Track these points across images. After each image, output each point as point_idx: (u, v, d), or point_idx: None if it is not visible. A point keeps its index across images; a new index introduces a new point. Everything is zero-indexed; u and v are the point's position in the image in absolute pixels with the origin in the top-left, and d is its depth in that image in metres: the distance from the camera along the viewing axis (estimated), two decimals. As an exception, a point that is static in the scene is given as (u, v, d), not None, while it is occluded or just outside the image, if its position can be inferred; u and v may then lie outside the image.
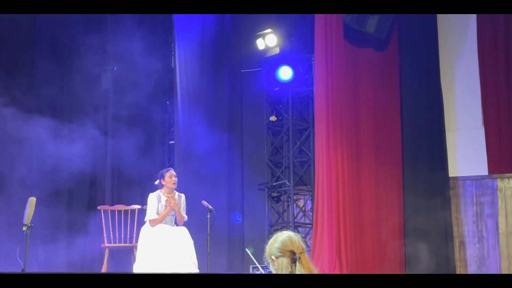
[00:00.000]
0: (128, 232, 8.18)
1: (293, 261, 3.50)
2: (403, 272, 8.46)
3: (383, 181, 8.77)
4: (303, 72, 9.58)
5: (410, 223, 8.66)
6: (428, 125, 8.85)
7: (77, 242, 8.58)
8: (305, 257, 3.53)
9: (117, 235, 8.19)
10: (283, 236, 3.59)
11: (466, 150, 8.81)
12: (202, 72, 9.40)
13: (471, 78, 8.81)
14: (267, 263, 3.66)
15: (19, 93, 8.25)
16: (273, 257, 3.56)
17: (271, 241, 3.62)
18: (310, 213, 9.40)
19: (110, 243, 8.13)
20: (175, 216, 7.33)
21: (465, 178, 8.78)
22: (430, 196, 8.57)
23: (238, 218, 7.66)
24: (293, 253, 3.51)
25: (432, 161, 8.74)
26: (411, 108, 8.92)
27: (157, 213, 7.21)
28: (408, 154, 8.85)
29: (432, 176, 8.68)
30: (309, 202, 9.58)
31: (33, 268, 7.71)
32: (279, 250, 3.53)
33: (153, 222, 7.18)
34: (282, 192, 9.73)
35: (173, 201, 7.22)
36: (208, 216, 7.30)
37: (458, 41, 9.04)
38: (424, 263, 8.40)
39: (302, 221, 9.64)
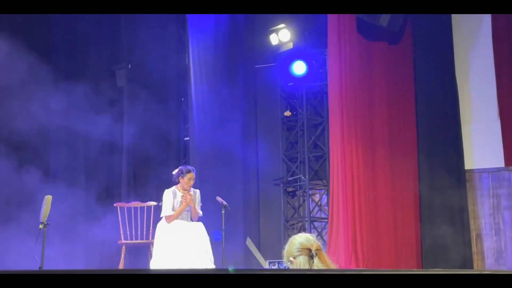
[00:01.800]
0: (145, 229, 8.22)
1: (311, 257, 3.61)
2: (420, 266, 8.44)
3: (398, 175, 8.73)
4: (316, 66, 9.57)
5: (426, 216, 8.63)
6: (443, 118, 8.80)
7: (94, 239, 8.64)
8: (322, 254, 3.65)
9: (133, 232, 8.23)
10: (299, 238, 3.73)
11: (482, 142, 8.75)
12: (215, 68, 9.42)
13: (486, 69, 8.75)
14: (286, 266, 3.78)
15: (33, 88, 8.32)
16: (291, 259, 3.66)
17: (288, 244, 3.74)
18: (326, 208, 9.39)
19: (127, 239, 8.17)
20: (191, 212, 7.34)
21: (481, 171, 8.72)
22: (446, 189, 8.52)
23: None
24: (309, 250, 3.62)
25: (447, 154, 8.70)
26: (426, 101, 8.88)
27: (173, 209, 7.22)
28: (424, 147, 8.81)
29: (448, 169, 8.64)
30: (324, 196, 9.57)
31: (50, 265, 7.77)
32: (298, 249, 3.64)
33: (169, 218, 7.19)
34: (298, 187, 9.73)
35: (189, 197, 7.23)
36: (223, 212, 7.32)
37: (473, 33, 8.98)
38: (441, 257, 8.37)
39: (318, 215, 9.63)
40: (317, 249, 3.63)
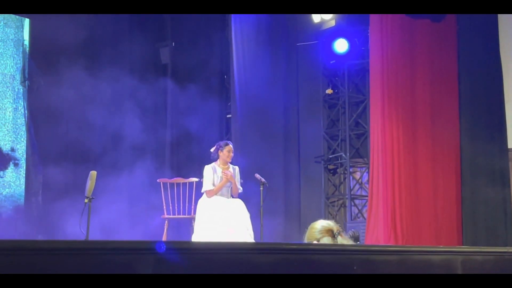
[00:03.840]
0: (187, 204, 8.35)
1: (334, 237, 3.74)
2: (460, 244, 8.42)
3: (439, 153, 8.70)
4: (359, 44, 9.55)
5: (467, 195, 8.60)
6: (486, 97, 8.71)
7: (138, 214, 8.81)
8: (343, 235, 3.78)
9: (176, 207, 8.37)
10: (320, 222, 3.85)
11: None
12: (258, 46, 9.47)
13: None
14: None
15: (77, 65, 8.48)
16: (314, 242, 3.74)
17: (308, 231, 3.85)
18: (367, 186, 9.41)
19: (170, 214, 8.32)
20: (231, 188, 7.43)
21: (523, 150, 8.64)
22: (488, 168, 8.46)
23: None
24: (332, 231, 3.75)
25: (490, 133, 8.62)
26: (469, 79, 8.80)
27: (213, 184, 7.31)
28: (466, 126, 8.75)
29: (490, 148, 8.57)
30: (365, 174, 9.60)
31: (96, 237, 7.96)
32: (320, 232, 3.75)
33: (210, 193, 7.29)
34: (339, 164, 9.77)
35: (229, 173, 7.31)
36: (261, 189, 7.39)
37: (518, 10, 8.83)
38: (481, 237, 8.34)
39: (358, 193, 9.67)
40: (338, 230, 3.76)
